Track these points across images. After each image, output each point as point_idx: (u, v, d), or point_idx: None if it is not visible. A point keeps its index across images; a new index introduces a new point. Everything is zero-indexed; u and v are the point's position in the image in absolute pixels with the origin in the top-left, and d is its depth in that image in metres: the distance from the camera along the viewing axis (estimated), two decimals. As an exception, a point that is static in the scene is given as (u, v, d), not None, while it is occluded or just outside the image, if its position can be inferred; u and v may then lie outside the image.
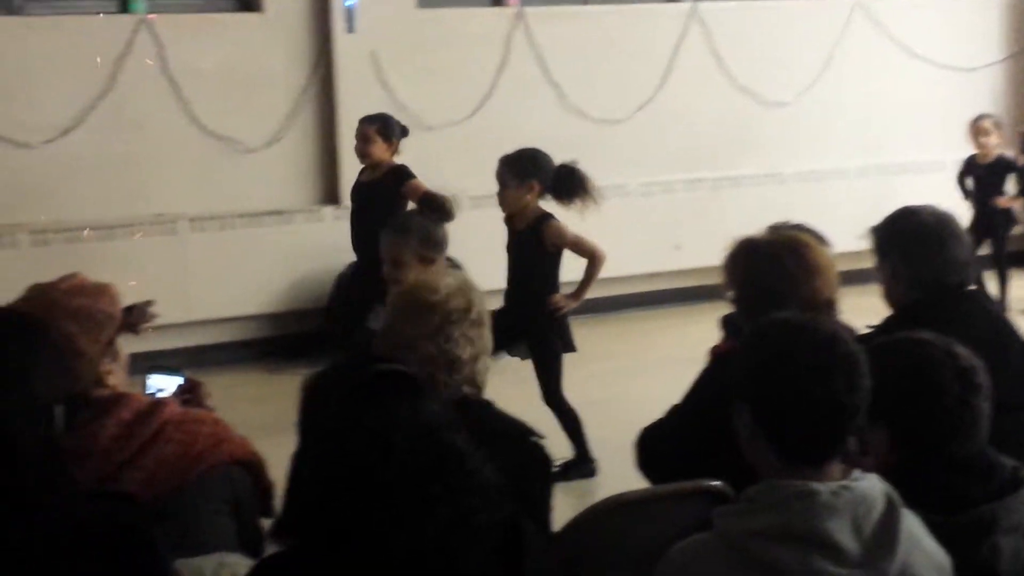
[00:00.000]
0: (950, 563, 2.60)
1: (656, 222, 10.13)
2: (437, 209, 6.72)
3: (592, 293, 6.77)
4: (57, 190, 8.61)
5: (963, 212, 8.64)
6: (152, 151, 8.88)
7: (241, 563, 3.01)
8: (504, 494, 2.40)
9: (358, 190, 7.90)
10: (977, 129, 9.95)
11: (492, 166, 6.67)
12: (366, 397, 2.38)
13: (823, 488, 2.46)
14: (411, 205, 7.33)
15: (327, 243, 8.79)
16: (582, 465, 6.51)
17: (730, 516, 2.52)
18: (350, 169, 8.21)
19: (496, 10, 9.99)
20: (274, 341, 9.17)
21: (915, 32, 11.02)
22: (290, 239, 9.14)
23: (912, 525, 2.54)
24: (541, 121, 9.51)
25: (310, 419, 2.45)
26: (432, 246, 5.41)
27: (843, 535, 2.44)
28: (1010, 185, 9.99)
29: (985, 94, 11.18)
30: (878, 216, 4.24)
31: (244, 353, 9.07)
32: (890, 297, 4.16)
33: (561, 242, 6.55)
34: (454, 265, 6.49)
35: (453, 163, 9.06)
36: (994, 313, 4.25)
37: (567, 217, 6.67)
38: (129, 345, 3.47)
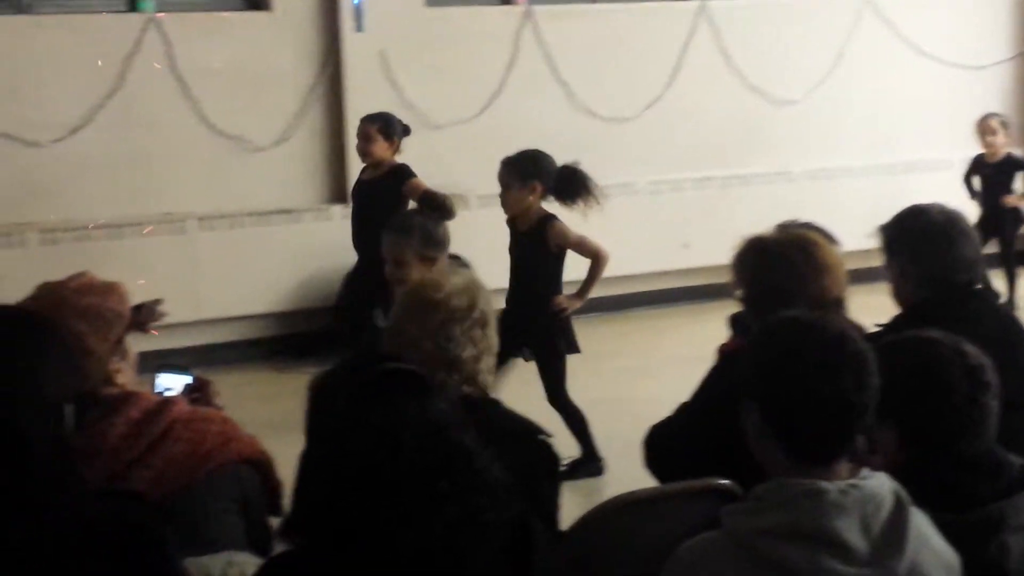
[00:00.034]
0: (959, 561, 2.60)
1: (664, 220, 10.12)
2: (437, 208, 6.72)
3: (601, 292, 6.76)
4: (66, 189, 8.62)
5: (970, 211, 8.62)
6: (161, 150, 8.88)
7: (250, 562, 3.01)
8: (512, 493, 2.39)
9: (359, 189, 7.90)
10: (984, 128, 9.93)
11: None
12: (374, 396, 2.38)
13: (831, 487, 2.46)
14: (412, 204, 7.33)
15: (335, 242, 8.78)
16: (589, 464, 6.50)
17: (738, 514, 2.52)
18: (359, 168, 8.21)
19: (505, 8, 9.98)
20: (283, 340, 9.17)
21: (924, 30, 10.99)
22: (299, 238, 9.14)
23: (921, 523, 2.54)
24: (549, 119, 9.51)
25: (318, 418, 2.45)
26: (433, 245, 5.40)
27: (851, 534, 2.44)
28: (1018, 183, 9.98)
29: (994, 92, 11.15)
30: (887, 214, 4.23)
31: (253, 352, 9.07)
32: (899, 295, 4.16)
33: (565, 243, 6.54)
34: (463, 264, 6.47)
35: (461, 162, 9.04)
36: (1002, 311, 4.26)
37: (570, 218, 6.66)
38: (138, 344, 3.47)
